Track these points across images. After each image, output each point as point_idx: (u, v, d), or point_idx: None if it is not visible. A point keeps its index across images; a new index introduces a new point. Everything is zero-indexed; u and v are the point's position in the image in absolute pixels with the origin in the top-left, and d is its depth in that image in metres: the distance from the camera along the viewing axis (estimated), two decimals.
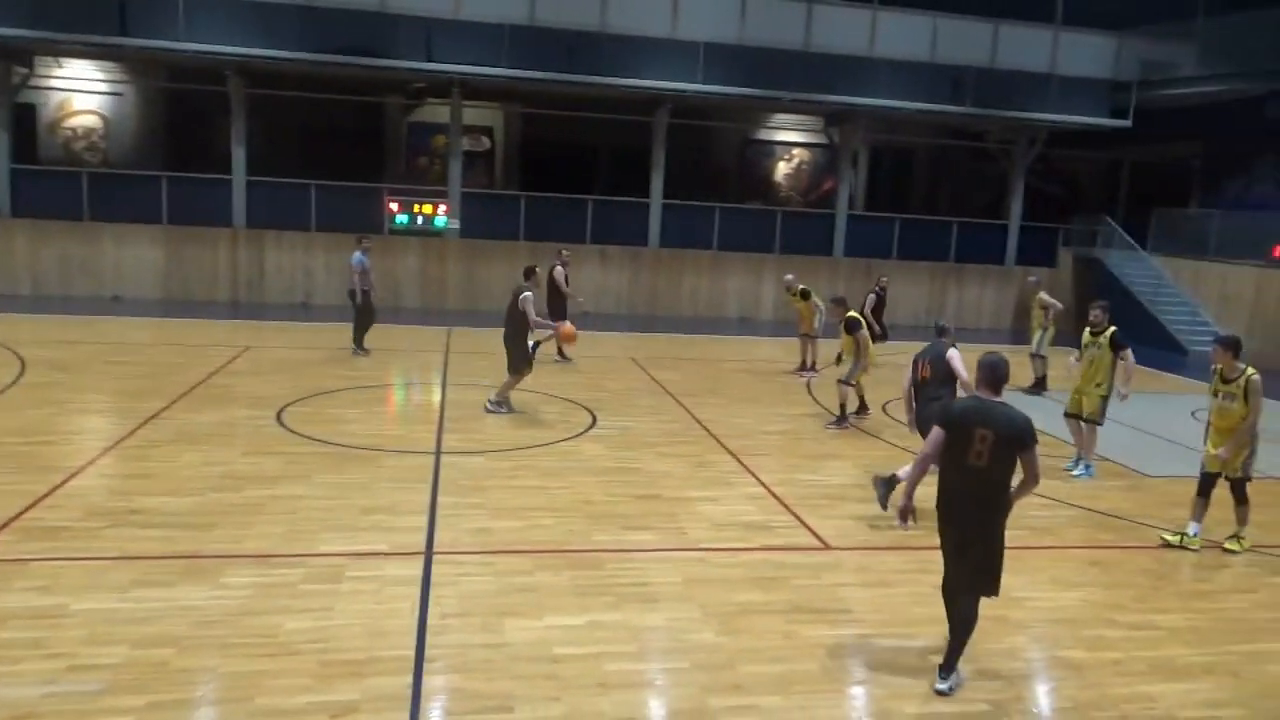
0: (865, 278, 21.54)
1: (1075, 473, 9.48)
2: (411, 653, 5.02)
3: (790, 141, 25.72)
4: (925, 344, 8.08)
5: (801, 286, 14.49)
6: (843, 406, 11.13)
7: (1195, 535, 7.50)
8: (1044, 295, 14.10)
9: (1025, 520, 7.87)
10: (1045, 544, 7.40)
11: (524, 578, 6.11)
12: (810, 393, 13.02)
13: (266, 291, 19.38)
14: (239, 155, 19.01)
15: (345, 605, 5.53)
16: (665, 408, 11.52)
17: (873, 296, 14.44)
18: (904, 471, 7.31)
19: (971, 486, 4.86)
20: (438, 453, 8.91)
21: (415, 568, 6.16)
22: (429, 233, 19.84)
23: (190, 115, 21.36)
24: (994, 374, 4.97)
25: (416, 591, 5.78)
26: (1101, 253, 22.72)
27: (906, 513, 5.25)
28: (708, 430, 10.45)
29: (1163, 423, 12.49)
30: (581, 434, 9.98)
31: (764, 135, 25.65)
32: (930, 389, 7.73)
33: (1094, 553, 7.32)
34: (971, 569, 4.94)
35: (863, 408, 11.46)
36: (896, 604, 6.07)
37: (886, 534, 7.40)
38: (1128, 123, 20.72)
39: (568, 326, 10.64)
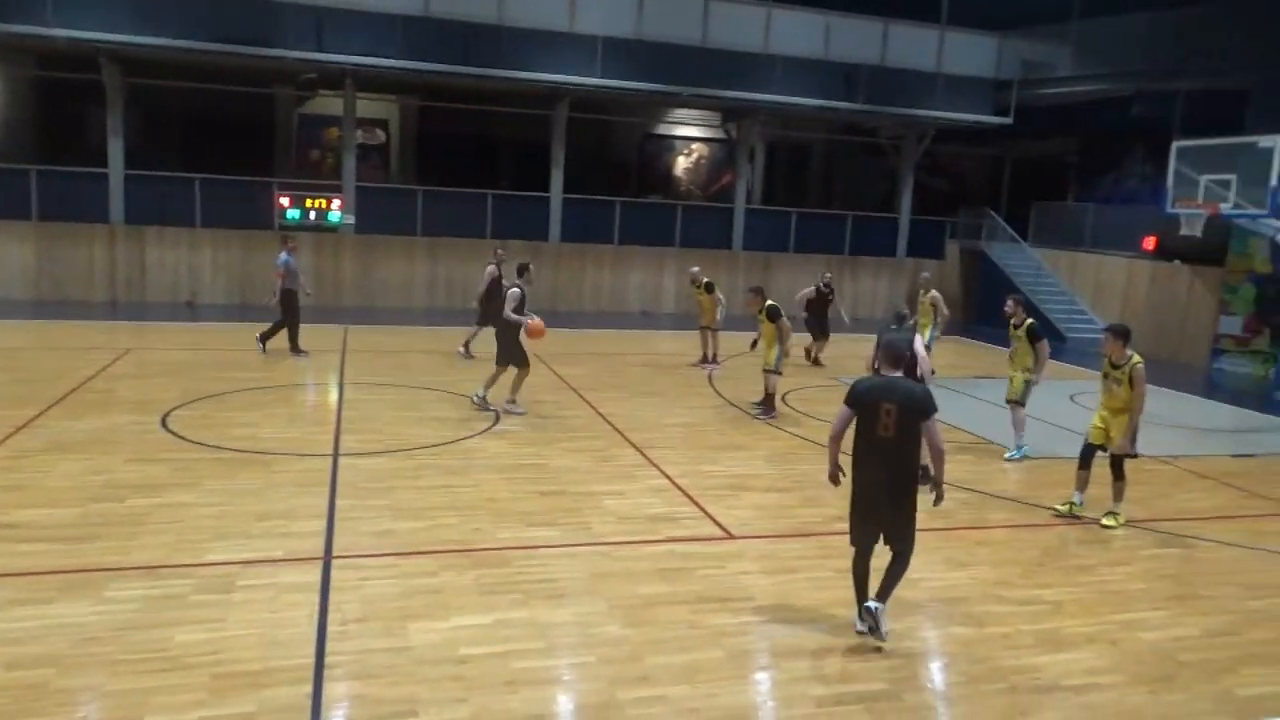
0: (764, 270, 22.03)
1: (1007, 455, 10.02)
2: (311, 661, 4.88)
3: (689, 136, 25.97)
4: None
5: (706, 279, 14.65)
6: (770, 395, 11.41)
7: (1080, 504, 8.11)
8: (936, 294, 14.52)
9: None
10: (937, 526, 7.66)
11: (428, 579, 6.01)
12: (712, 385, 13.19)
13: (148, 291, 18.50)
14: (116, 147, 18.07)
15: (239, 615, 5.34)
16: (568, 403, 11.50)
17: (811, 290, 14.75)
18: None
19: (882, 457, 5.33)
20: (335, 455, 8.67)
21: (313, 574, 5.98)
22: (323, 228, 19.28)
23: (63, 105, 20.21)
24: (893, 352, 5.51)
25: (315, 598, 5.62)
26: (986, 245, 23.70)
27: (834, 476, 5.75)
28: (611, 424, 10.47)
29: (1045, 407, 13.07)
30: (485, 431, 9.88)
31: (663, 130, 25.84)
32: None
33: (983, 533, 7.64)
34: (899, 532, 5.44)
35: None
36: (799, 590, 6.20)
37: (789, 522, 7.56)
38: (1009, 120, 21.63)
39: (536, 321, 10.42)
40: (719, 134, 24.82)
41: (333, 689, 4.66)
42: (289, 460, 8.41)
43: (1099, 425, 8.05)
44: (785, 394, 12.61)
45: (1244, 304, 18.17)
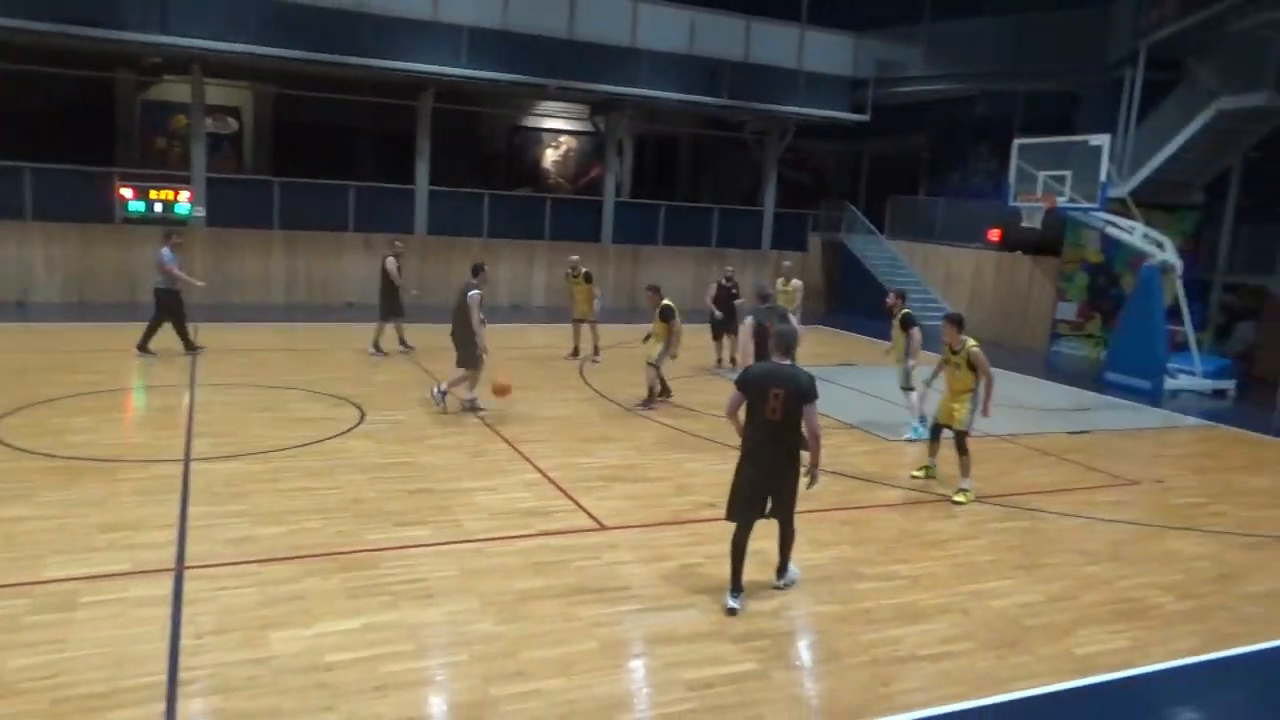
0: (633, 263, 22.21)
1: (906, 436, 10.64)
2: (163, 678, 4.62)
3: (558, 129, 25.86)
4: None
5: (585, 269, 14.62)
6: (651, 389, 11.55)
7: (933, 466, 9.05)
8: (798, 283, 14.89)
9: None
10: (803, 509, 7.87)
11: (291, 585, 5.78)
12: (583, 377, 13.19)
13: None
14: None
15: (81, 634, 5.00)
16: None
17: (714, 286, 14.80)
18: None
19: (770, 436, 5.76)
20: (187, 460, 8.22)
21: (164, 586, 5.66)
22: (171, 221, 18.19)
23: None
24: (784, 341, 5.97)
25: (167, 611, 5.32)
26: (845, 237, 24.62)
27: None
28: (481, 420, 10.33)
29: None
30: (348, 430, 9.57)
31: (532, 122, 25.64)
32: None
33: (846, 513, 7.93)
34: (782, 502, 5.92)
35: (665, 390, 11.82)
36: (673, 577, 6.28)
37: (661, 510, 7.65)
38: (866, 117, 22.50)
39: (503, 381, 10.28)
40: (588, 127, 24.81)
41: (188, 705, 4.42)
42: (134, 467, 7.92)
43: (944, 405, 8.71)
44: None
45: (1078, 291, 19.51)
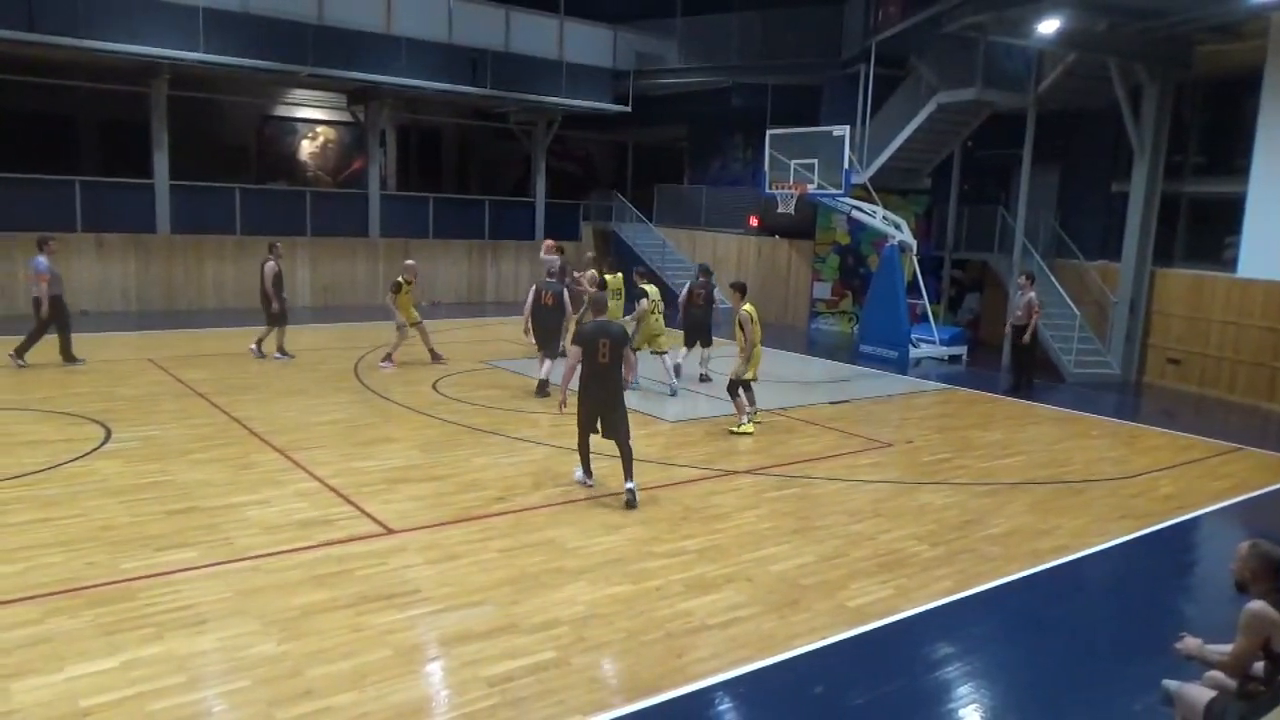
0: (404, 258, 21.44)
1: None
2: None
3: (313, 119, 24.54)
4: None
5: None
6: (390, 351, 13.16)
7: (746, 420, 10.52)
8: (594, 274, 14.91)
9: (573, 475, 8.46)
10: (592, 495, 8.02)
11: (31, 629, 5.14)
12: (357, 377, 12.64)
13: None
14: None
15: None
16: (195, 410, 10.41)
17: (685, 291, 13.91)
18: (546, 372, 11.74)
19: (601, 376, 7.74)
20: None
21: None
22: None
23: None
24: (600, 304, 8.29)
25: None
26: (617, 225, 25.10)
27: (563, 402, 8.03)
28: (249, 429, 9.66)
29: (688, 374, 14.15)
30: (93, 451, 8.63)
31: (283, 111, 24.15)
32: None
33: None
34: (613, 426, 7.81)
35: (435, 357, 13.42)
36: (464, 575, 6.16)
37: (449, 509, 7.48)
38: (628, 108, 23.00)
39: None
40: (346, 117, 23.71)
41: None
42: None
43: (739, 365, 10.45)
44: (436, 381, 12.46)
45: (831, 271, 21.00)
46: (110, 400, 10.65)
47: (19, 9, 15.40)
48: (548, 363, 11.88)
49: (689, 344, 13.31)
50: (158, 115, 18.26)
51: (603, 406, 7.80)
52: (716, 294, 13.57)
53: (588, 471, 8.16)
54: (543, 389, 11.70)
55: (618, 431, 7.79)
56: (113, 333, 13.08)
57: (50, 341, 12.40)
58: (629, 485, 7.72)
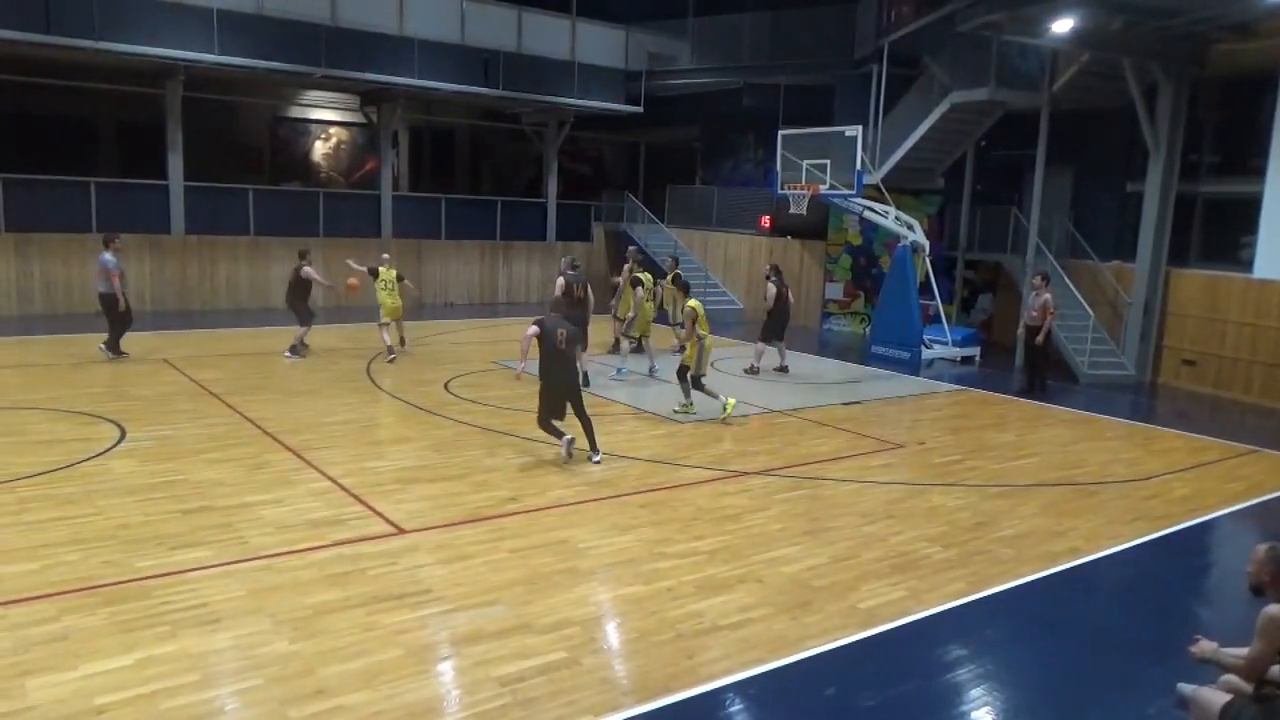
0: (417, 258, 21.60)
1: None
2: None
3: (326, 120, 24.65)
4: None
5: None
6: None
7: (689, 404, 11.20)
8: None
9: (584, 475, 8.50)
10: (604, 495, 8.03)
11: (48, 626, 5.19)
12: (370, 377, 12.69)
13: None
14: None
15: None
16: (209, 410, 10.47)
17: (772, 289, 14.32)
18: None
19: (559, 359, 8.82)
20: None
21: None
22: None
23: None
24: (559, 304, 9.68)
25: None
26: (628, 226, 25.10)
27: (521, 371, 9.09)
28: (262, 429, 9.71)
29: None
30: (108, 451, 8.70)
31: (297, 113, 24.28)
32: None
33: (645, 496, 8.10)
34: (573, 402, 8.93)
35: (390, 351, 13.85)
36: (476, 575, 6.18)
37: (460, 509, 7.50)
38: (640, 109, 23.00)
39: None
40: (359, 118, 23.80)
41: None
42: None
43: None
44: (448, 381, 12.50)
45: (843, 272, 20.95)
46: (125, 400, 10.73)
47: (37, 12, 15.53)
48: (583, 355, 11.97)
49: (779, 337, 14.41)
50: (172, 117, 18.36)
51: (565, 387, 8.93)
52: (787, 291, 14.36)
53: (560, 434, 8.91)
54: (584, 379, 11.74)
55: (577, 406, 8.96)
56: (127, 333, 13.16)
57: (56, 341, 12.55)
58: (596, 458, 8.92)
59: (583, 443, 8.98)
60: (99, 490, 7.55)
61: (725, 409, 10.92)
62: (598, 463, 8.80)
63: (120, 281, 12.89)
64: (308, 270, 13.98)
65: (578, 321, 12.07)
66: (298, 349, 13.97)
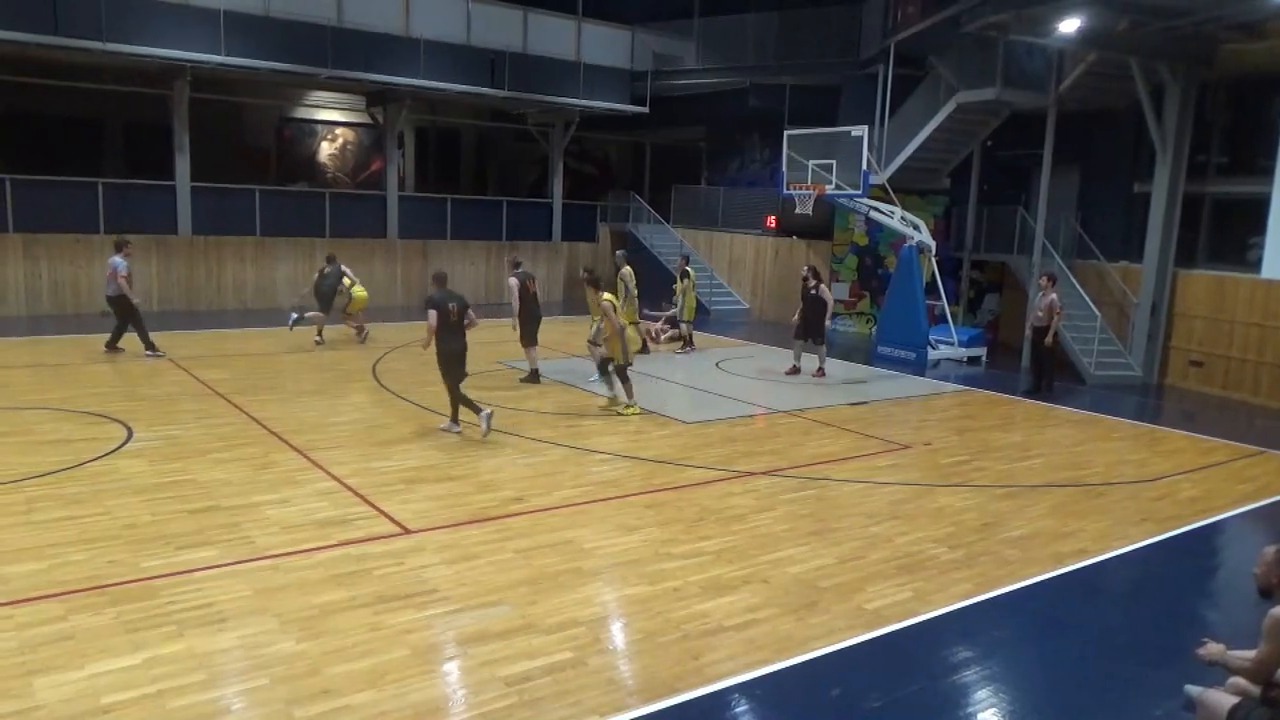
0: (422, 258, 21.62)
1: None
2: None
3: (332, 121, 24.70)
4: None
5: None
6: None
7: (610, 397, 11.26)
8: (628, 269, 14.92)
9: (589, 476, 8.50)
10: (608, 495, 8.03)
11: (55, 626, 5.20)
12: (375, 378, 12.71)
13: None
14: None
15: None
16: (216, 410, 10.50)
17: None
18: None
19: (453, 330, 9.61)
20: None
21: None
22: None
23: None
24: (441, 277, 10.05)
25: None
26: (634, 226, 25.11)
27: (426, 344, 9.84)
28: (268, 429, 9.73)
29: (695, 375, 14.17)
30: (115, 450, 8.72)
31: (303, 114, 24.32)
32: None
33: (650, 496, 8.10)
34: (456, 372, 9.75)
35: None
36: (481, 575, 6.18)
37: (465, 509, 7.50)
38: (645, 109, 23.00)
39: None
40: (364, 118, 23.84)
41: None
42: None
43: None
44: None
45: (849, 272, 20.91)
46: (132, 400, 10.76)
47: (44, 13, 15.58)
48: (534, 350, 12.80)
49: (799, 336, 14.40)
50: (179, 118, 18.41)
51: (458, 356, 9.72)
52: (824, 291, 14.50)
53: (479, 408, 9.60)
54: (535, 377, 12.68)
55: (457, 379, 9.79)
56: (134, 332, 13.21)
57: (66, 342, 12.59)
58: (453, 428, 9.81)
59: (468, 415, 9.75)
60: (106, 490, 7.57)
61: (630, 407, 11.04)
62: (453, 431, 9.75)
63: (126, 284, 13.02)
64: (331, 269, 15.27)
65: (535, 315, 12.89)
66: (302, 320, 15.05)
